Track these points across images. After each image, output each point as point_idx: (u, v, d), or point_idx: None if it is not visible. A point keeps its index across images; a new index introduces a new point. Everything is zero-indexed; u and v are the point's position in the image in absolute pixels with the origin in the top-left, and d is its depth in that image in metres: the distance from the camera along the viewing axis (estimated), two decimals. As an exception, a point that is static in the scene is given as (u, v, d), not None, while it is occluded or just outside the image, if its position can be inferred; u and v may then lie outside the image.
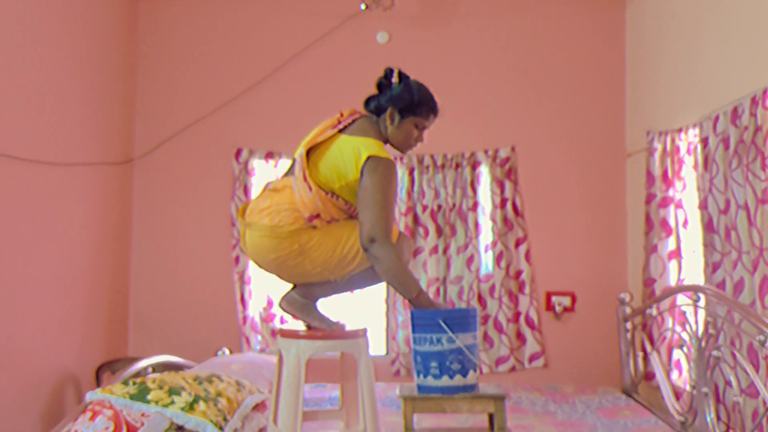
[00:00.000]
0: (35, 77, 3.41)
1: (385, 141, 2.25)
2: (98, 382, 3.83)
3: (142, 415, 2.37)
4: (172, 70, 4.49)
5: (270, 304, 4.25)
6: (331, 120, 2.27)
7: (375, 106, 2.25)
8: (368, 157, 2.09)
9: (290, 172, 2.29)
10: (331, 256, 2.15)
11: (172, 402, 2.42)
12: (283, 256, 2.14)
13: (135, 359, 3.71)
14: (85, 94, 3.88)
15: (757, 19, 2.83)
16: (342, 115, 2.29)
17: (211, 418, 2.42)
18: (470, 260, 4.25)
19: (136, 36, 4.49)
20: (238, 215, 2.28)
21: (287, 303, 2.32)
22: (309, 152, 2.19)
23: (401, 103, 2.21)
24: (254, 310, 4.26)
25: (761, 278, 2.68)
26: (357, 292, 2.43)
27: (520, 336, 4.26)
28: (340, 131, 2.22)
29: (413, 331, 2.31)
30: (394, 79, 2.25)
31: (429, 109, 2.25)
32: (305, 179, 2.13)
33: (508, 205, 4.26)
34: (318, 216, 2.14)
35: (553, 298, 4.30)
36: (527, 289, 4.25)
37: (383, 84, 2.27)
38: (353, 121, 2.26)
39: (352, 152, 2.12)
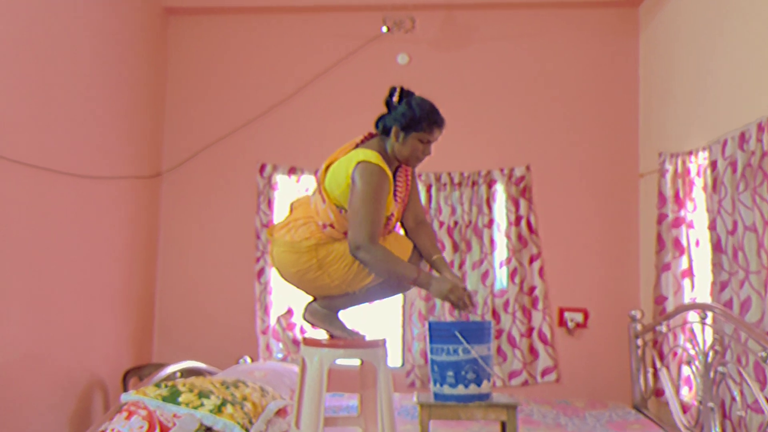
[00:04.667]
0: (71, 95, 3.60)
1: (394, 157, 2.34)
2: (125, 387, 3.98)
3: (174, 416, 2.52)
4: (199, 88, 4.68)
5: (291, 313, 4.39)
6: (354, 140, 2.42)
7: (382, 126, 2.35)
8: (358, 162, 2.19)
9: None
10: (348, 270, 2.26)
11: (202, 404, 2.57)
12: (303, 269, 2.27)
13: (160, 365, 3.86)
14: (117, 110, 4.07)
15: (764, 49, 2.95)
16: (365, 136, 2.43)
17: (237, 420, 2.57)
18: (485, 275, 4.36)
19: (165, 54, 4.69)
20: (267, 233, 2.42)
21: (310, 314, 2.45)
22: (328, 168, 2.33)
23: (404, 120, 2.29)
24: (275, 319, 4.40)
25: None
26: (375, 304, 2.55)
27: (533, 351, 4.36)
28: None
29: (430, 341, 2.44)
30: (395, 98, 2.34)
31: (431, 123, 2.31)
32: (320, 192, 2.27)
33: (523, 223, 4.38)
34: (332, 226, 2.25)
35: (566, 314, 4.40)
36: (540, 305, 4.35)
37: (389, 102, 2.36)
38: (364, 140, 2.39)
39: (347, 160, 2.24)
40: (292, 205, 2.44)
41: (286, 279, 2.37)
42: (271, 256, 2.37)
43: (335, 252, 2.25)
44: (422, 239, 2.42)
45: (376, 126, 2.38)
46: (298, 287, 2.38)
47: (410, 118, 2.29)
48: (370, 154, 2.21)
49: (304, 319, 2.47)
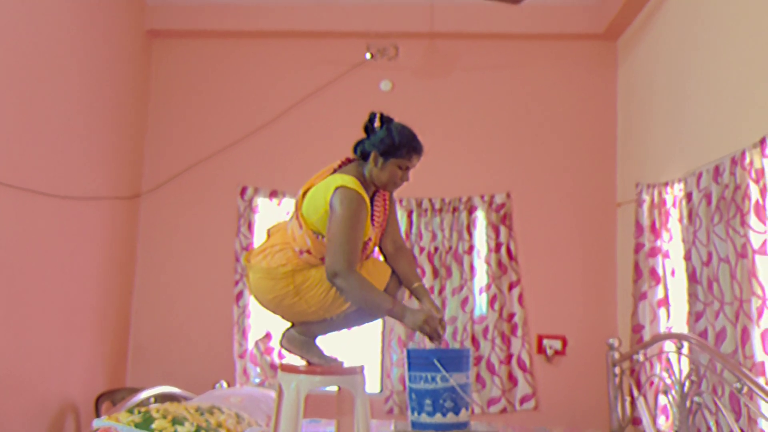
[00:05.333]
0: (52, 115, 3.57)
1: (371, 182, 2.35)
2: (97, 412, 3.90)
3: (147, 443, 2.47)
4: (181, 110, 4.68)
5: (269, 337, 4.35)
6: (331, 165, 2.43)
7: (361, 151, 2.36)
8: (336, 188, 2.19)
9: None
10: (326, 296, 2.25)
11: (176, 431, 2.52)
12: (280, 296, 2.26)
13: (134, 390, 3.79)
14: (97, 130, 4.05)
15: (739, 85, 3.03)
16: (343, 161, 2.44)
17: (212, 448, 2.52)
18: (465, 302, 4.37)
19: (148, 76, 4.69)
20: (244, 259, 2.41)
21: (287, 341, 2.43)
22: (305, 194, 2.32)
23: (383, 146, 2.30)
24: (253, 343, 4.36)
25: (741, 329, 2.80)
26: (353, 330, 2.54)
27: (511, 378, 4.36)
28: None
29: (409, 369, 2.43)
30: (376, 124, 2.35)
31: (410, 149, 2.32)
32: (297, 218, 2.27)
33: (503, 250, 4.41)
34: (309, 252, 2.25)
35: (545, 341, 4.41)
36: (519, 332, 4.36)
37: (369, 128, 2.37)
38: (342, 165, 2.40)
39: (325, 186, 2.25)
40: (269, 230, 2.44)
41: (263, 305, 2.35)
42: (247, 282, 2.36)
43: (312, 278, 2.24)
44: (402, 265, 2.42)
45: (354, 151, 2.39)
46: (275, 313, 2.36)
47: (389, 145, 2.30)
48: (347, 180, 2.22)
49: (281, 346, 2.45)
